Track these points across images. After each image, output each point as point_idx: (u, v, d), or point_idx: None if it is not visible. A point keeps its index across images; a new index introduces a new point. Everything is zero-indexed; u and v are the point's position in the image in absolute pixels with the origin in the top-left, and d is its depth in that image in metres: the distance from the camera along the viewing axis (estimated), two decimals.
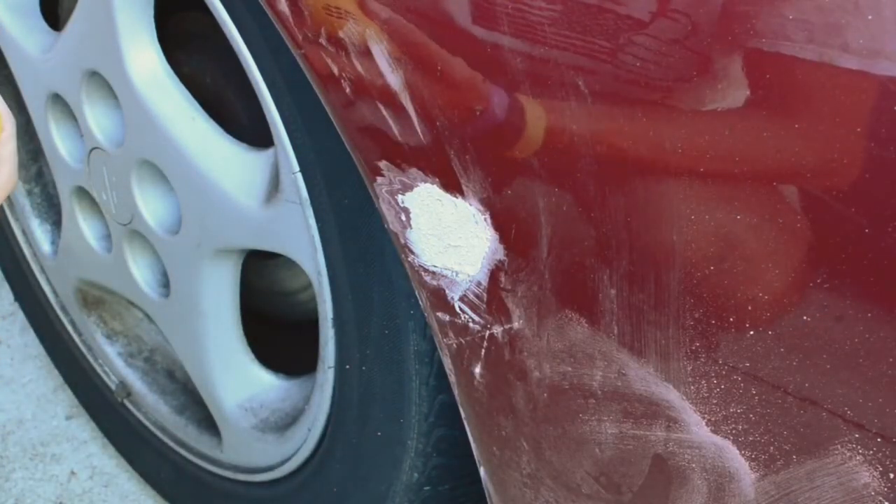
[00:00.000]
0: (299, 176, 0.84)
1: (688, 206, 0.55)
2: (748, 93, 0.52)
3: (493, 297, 0.65)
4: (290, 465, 1.02)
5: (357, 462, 0.93)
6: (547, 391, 0.65)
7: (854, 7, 0.49)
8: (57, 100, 1.10)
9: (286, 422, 1.06)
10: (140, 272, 1.12)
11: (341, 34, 0.65)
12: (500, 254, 0.63)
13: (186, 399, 1.22)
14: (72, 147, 1.13)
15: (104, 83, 1.00)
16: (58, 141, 1.13)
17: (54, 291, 1.31)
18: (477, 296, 0.66)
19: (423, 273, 0.68)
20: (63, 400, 1.44)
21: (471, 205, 0.63)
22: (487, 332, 0.66)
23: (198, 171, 0.93)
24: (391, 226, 0.69)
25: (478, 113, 0.61)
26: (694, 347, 0.57)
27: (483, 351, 0.67)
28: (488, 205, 0.63)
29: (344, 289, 0.86)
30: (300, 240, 0.88)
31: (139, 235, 1.06)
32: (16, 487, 1.35)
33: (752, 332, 0.55)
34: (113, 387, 1.26)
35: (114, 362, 1.26)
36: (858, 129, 0.49)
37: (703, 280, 0.56)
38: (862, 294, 0.52)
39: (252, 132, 0.97)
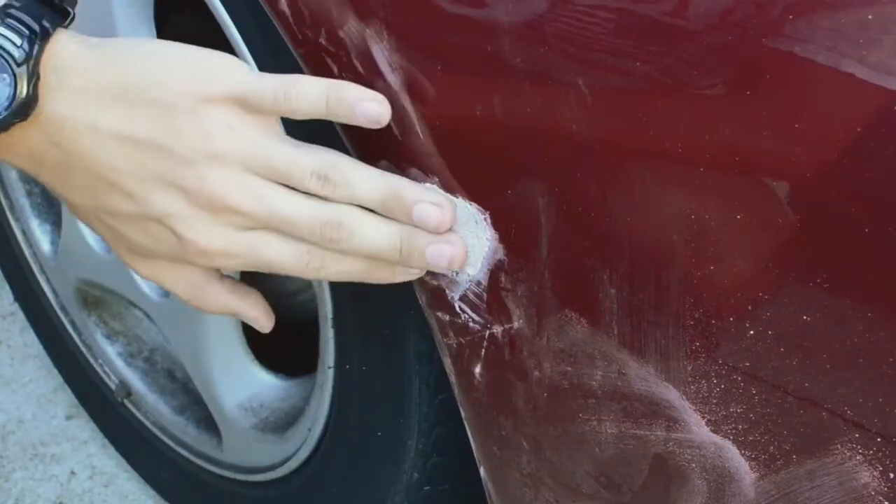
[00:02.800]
0: None
1: (688, 206, 0.55)
2: (749, 92, 0.52)
3: (493, 296, 0.65)
4: (291, 465, 1.02)
5: (357, 462, 0.93)
6: (547, 391, 0.65)
7: (856, 13, 0.49)
8: None
9: (286, 422, 1.06)
10: None
11: (341, 34, 0.65)
12: (500, 254, 0.63)
13: (186, 399, 1.22)
14: None
15: None
16: None
17: (54, 291, 1.31)
18: (477, 295, 0.66)
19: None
20: (63, 400, 1.44)
21: (471, 205, 0.63)
22: (487, 332, 0.66)
23: None
24: None
25: (477, 113, 0.61)
26: (694, 347, 0.57)
27: (483, 351, 0.67)
28: (488, 205, 0.63)
29: (344, 289, 0.86)
30: None
31: None
32: (16, 487, 1.35)
33: (752, 332, 0.55)
34: (113, 387, 1.26)
35: (114, 362, 1.26)
36: (859, 130, 0.49)
37: (703, 280, 0.56)
38: (862, 294, 0.52)
39: None
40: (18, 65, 0.61)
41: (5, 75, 0.61)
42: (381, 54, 0.63)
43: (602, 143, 0.57)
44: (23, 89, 0.61)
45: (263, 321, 0.74)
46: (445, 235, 0.64)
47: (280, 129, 0.65)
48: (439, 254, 0.64)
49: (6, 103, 0.61)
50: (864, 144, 0.49)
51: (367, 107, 0.63)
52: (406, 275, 0.66)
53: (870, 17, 0.48)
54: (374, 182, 0.64)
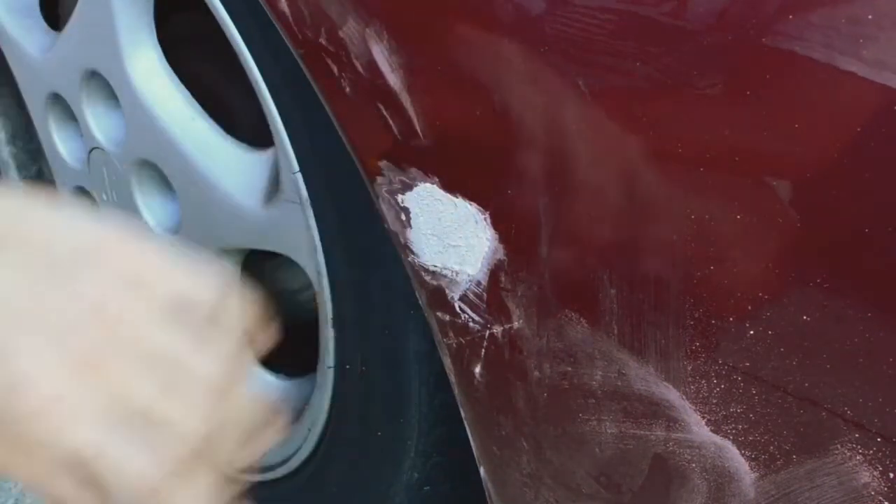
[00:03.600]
0: (299, 176, 0.84)
1: (688, 206, 0.55)
2: (749, 92, 0.52)
3: (493, 296, 0.65)
4: (291, 464, 1.02)
5: (357, 462, 0.93)
6: (547, 391, 0.65)
7: (855, 13, 0.49)
8: (57, 100, 1.10)
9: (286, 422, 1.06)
10: None
11: (341, 34, 0.65)
12: (500, 254, 0.63)
13: None
14: (72, 147, 1.13)
15: (104, 83, 1.00)
16: (58, 141, 1.13)
17: None
18: (477, 295, 0.65)
19: (423, 273, 0.68)
20: None
21: (471, 205, 0.63)
22: (487, 332, 0.66)
23: (198, 171, 0.93)
24: (391, 226, 0.69)
25: (477, 113, 0.61)
26: (694, 347, 0.57)
27: (483, 351, 0.67)
28: (488, 205, 0.63)
29: (344, 289, 0.86)
30: (300, 240, 0.88)
31: None
32: (16, 487, 1.35)
33: (752, 332, 0.55)
34: None
35: None
36: (859, 130, 0.49)
37: (703, 280, 0.56)
38: (862, 294, 0.52)
39: (252, 132, 0.97)
40: None
41: None
42: (381, 54, 0.63)
43: (602, 143, 0.57)
44: None
45: None
46: None
47: None
48: None
49: None
50: (865, 144, 0.49)
51: None
52: None
53: (869, 16, 0.48)
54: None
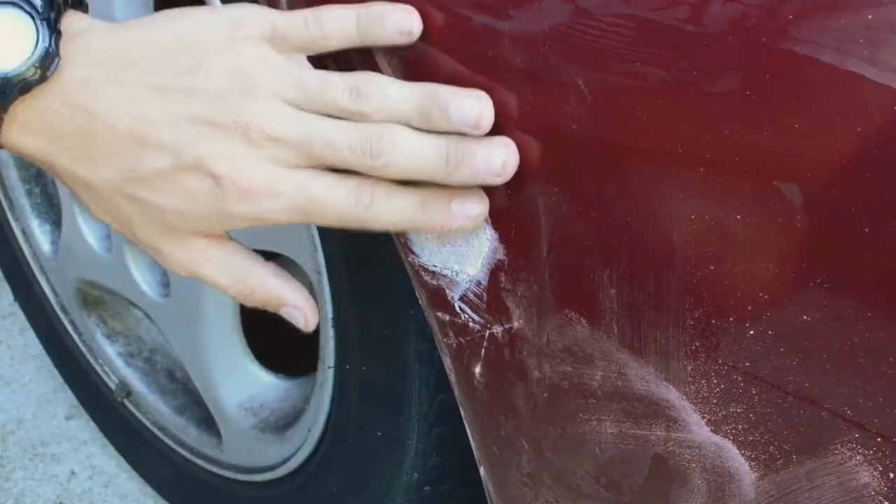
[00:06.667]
0: None
1: (688, 206, 0.55)
2: (749, 92, 0.52)
3: (493, 296, 0.65)
4: (290, 465, 1.02)
5: (357, 462, 0.93)
6: (547, 391, 0.65)
7: (852, 5, 0.49)
8: None
9: (286, 422, 1.06)
10: (140, 272, 1.12)
11: None
12: (500, 254, 0.63)
13: (186, 399, 1.22)
14: None
15: None
16: None
17: (54, 291, 1.31)
18: (477, 295, 0.66)
19: (423, 273, 0.68)
20: (63, 400, 1.45)
21: None
22: (487, 332, 0.66)
23: None
24: None
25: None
26: (694, 347, 0.57)
27: (483, 351, 0.67)
28: (488, 205, 0.63)
29: (344, 289, 0.86)
30: (300, 240, 0.88)
31: None
32: (16, 487, 1.35)
33: (752, 332, 0.55)
34: (113, 387, 1.26)
35: (114, 362, 1.26)
36: (859, 129, 0.49)
37: (703, 280, 0.56)
38: (862, 294, 0.52)
39: None
40: (41, 14, 0.59)
41: (28, 23, 0.59)
42: (382, 54, 0.63)
43: (602, 143, 0.57)
44: (45, 40, 0.59)
45: (310, 313, 0.68)
46: (495, 137, 0.59)
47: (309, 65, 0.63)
48: (488, 157, 0.59)
49: (30, 52, 0.59)
50: (865, 144, 0.49)
51: (396, 17, 0.60)
52: (462, 215, 0.62)
53: (870, 17, 0.48)
54: (409, 88, 0.61)
